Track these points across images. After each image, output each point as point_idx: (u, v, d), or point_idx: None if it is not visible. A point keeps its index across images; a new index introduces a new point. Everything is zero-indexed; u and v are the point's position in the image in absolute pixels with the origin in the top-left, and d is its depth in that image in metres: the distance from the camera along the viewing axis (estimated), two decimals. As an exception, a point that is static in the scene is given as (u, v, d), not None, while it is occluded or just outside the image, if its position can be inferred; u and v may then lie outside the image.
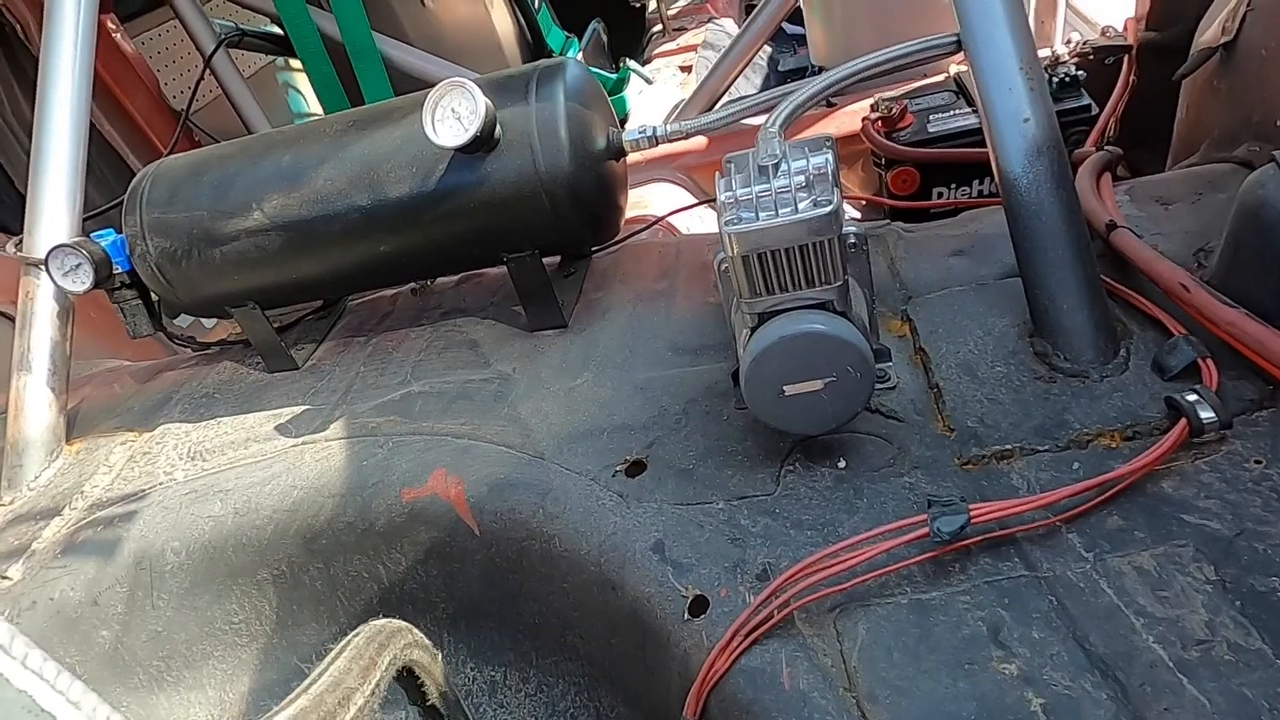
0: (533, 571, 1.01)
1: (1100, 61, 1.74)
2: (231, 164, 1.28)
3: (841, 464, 0.90)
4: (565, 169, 1.13)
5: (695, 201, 1.78)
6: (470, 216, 1.17)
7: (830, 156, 0.82)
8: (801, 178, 0.81)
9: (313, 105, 3.13)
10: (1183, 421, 0.79)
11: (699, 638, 0.80)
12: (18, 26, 2.17)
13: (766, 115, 1.19)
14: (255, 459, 1.21)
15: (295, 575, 1.13)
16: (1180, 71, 1.26)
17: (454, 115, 1.08)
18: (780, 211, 0.81)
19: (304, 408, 1.28)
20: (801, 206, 0.80)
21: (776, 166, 0.82)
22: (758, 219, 0.81)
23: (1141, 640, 0.67)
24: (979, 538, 0.77)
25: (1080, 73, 1.63)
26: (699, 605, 0.82)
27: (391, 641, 0.62)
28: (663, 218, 1.57)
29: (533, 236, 1.20)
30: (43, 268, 1.30)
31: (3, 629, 0.32)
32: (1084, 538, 0.76)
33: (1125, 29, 1.78)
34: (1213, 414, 0.78)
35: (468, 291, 1.46)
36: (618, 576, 0.90)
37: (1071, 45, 1.78)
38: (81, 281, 1.29)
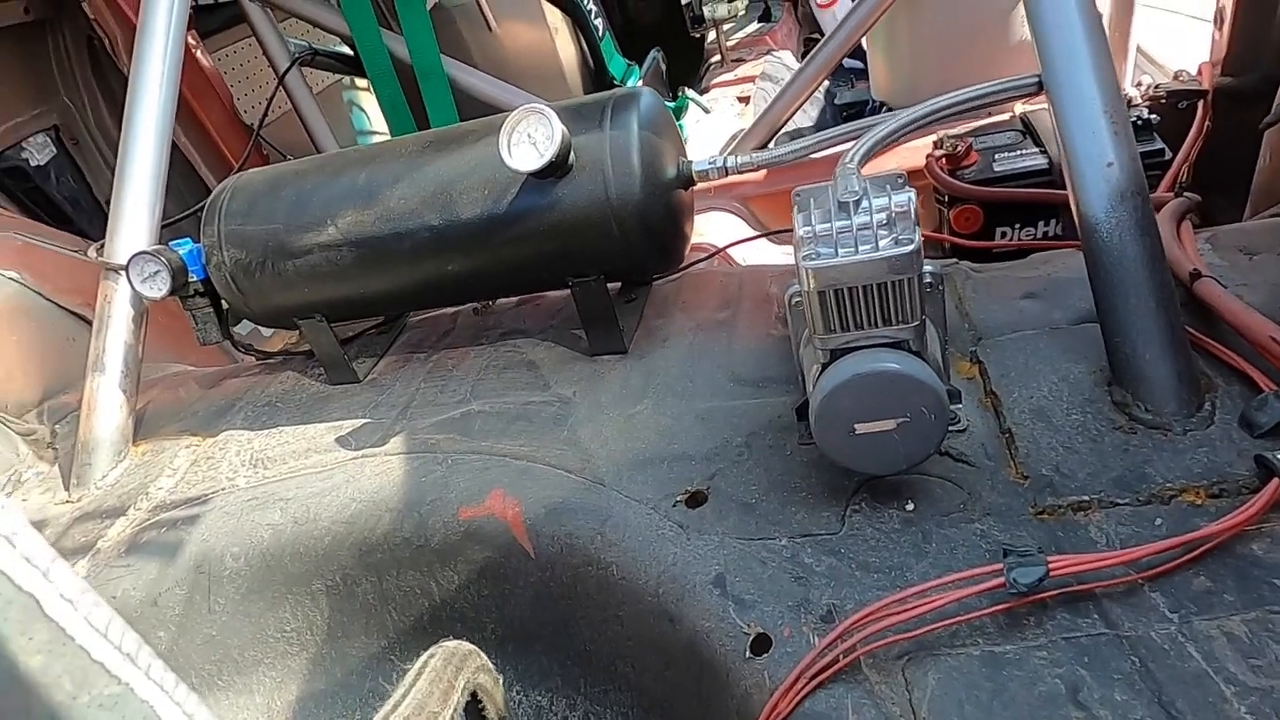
0: (587, 598, 1.01)
1: (1173, 105, 1.71)
2: (308, 180, 1.31)
3: (909, 506, 0.88)
4: (636, 196, 1.14)
5: (756, 234, 1.77)
6: (539, 240, 1.18)
7: (913, 195, 0.82)
8: (883, 215, 0.81)
9: (376, 123, 3.21)
10: (1275, 481, 0.76)
11: (761, 677, 0.78)
12: (106, 40, 2.27)
13: (834, 149, 1.19)
14: (315, 469, 1.22)
15: (348, 587, 1.14)
16: (1266, 121, 1.23)
17: (529, 140, 1.09)
18: (860, 248, 0.80)
19: (364, 421, 1.30)
20: (882, 244, 0.80)
21: (857, 203, 0.82)
22: (837, 255, 0.81)
23: (1233, 710, 0.64)
24: (1056, 591, 0.75)
25: (1154, 116, 1.60)
26: (761, 644, 0.80)
27: (465, 665, 0.62)
28: (723, 248, 1.57)
29: (599, 262, 1.21)
30: (123, 273, 1.35)
31: (130, 639, 0.33)
32: (1169, 598, 0.73)
33: (1200, 73, 1.74)
34: (1307, 475, 0.75)
35: (528, 313, 1.48)
36: (676, 608, 0.89)
37: (1143, 88, 1.75)
38: (159, 288, 1.32)
